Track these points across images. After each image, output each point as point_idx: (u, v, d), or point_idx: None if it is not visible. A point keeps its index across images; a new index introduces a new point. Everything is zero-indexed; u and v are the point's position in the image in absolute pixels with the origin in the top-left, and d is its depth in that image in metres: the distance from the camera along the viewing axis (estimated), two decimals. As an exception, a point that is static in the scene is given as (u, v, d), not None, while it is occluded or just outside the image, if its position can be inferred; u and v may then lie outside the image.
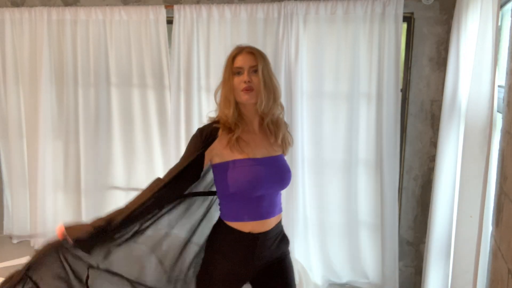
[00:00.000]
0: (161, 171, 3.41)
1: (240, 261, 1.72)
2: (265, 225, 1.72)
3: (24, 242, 3.76)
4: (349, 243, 3.18)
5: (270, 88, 1.69)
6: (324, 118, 3.12)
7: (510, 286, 1.36)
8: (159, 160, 3.47)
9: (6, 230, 3.84)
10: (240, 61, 1.68)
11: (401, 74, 2.98)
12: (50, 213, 3.65)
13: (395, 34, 2.88)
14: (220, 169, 1.70)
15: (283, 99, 3.06)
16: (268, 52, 3.11)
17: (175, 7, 3.18)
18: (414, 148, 3.08)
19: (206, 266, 1.76)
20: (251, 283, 1.84)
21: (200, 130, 1.72)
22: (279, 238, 1.81)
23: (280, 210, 1.80)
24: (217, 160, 1.71)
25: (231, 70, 1.69)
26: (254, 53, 1.70)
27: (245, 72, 1.66)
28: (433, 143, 3.01)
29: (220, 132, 1.69)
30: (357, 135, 3.06)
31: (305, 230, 3.19)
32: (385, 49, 2.90)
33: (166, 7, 3.23)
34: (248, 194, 1.66)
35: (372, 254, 3.16)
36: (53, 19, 3.41)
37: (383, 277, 3.08)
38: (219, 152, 1.69)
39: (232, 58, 1.70)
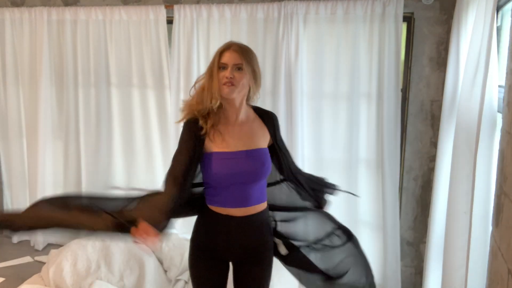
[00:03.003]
0: (161, 171, 3.41)
1: (217, 237, 1.86)
2: (241, 212, 1.84)
3: (24, 242, 3.76)
4: (349, 243, 3.17)
5: (258, 80, 1.85)
6: (324, 118, 3.12)
7: (510, 286, 1.36)
8: (159, 160, 3.47)
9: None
10: (225, 58, 1.79)
11: (401, 74, 2.98)
12: (50, 213, 3.65)
13: (395, 34, 2.87)
14: (203, 159, 1.83)
15: (283, 99, 3.08)
16: (268, 52, 3.11)
17: (175, 7, 3.18)
18: (414, 148, 3.08)
19: (191, 246, 1.93)
20: (233, 265, 1.96)
21: (190, 127, 1.82)
22: (261, 226, 1.90)
23: (259, 201, 1.89)
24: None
25: (217, 64, 1.80)
26: (238, 51, 1.80)
27: (229, 69, 1.77)
28: (433, 143, 3.00)
29: (205, 126, 1.81)
30: (357, 135, 3.06)
31: (305, 230, 3.19)
32: (385, 49, 2.90)
33: (166, 7, 3.23)
34: (222, 184, 1.82)
35: (373, 254, 3.15)
36: (53, 19, 3.41)
37: (384, 277, 3.07)
38: (206, 145, 1.82)
39: (220, 53, 1.81)
